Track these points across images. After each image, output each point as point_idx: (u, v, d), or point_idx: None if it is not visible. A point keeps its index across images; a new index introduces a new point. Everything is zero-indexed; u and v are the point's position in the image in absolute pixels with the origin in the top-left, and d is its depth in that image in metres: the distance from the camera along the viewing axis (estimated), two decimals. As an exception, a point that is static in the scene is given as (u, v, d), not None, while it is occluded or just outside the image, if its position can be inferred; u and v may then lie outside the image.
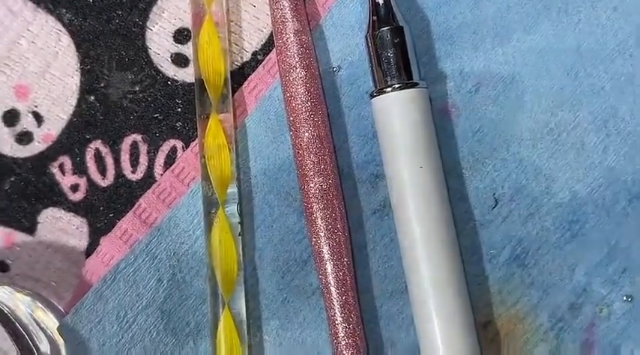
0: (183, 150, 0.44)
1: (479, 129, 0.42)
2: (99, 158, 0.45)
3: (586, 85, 0.42)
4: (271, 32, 0.44)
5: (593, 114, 0.42)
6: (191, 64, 0.45)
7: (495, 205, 0.42)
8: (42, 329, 0.42)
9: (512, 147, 0.42)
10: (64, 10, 0.45)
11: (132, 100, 0.45)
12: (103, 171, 0.45)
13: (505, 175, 0.42)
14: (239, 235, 0.43)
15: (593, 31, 0.42)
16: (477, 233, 0.42)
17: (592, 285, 0.41)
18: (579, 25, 0.42)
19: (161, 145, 0.44)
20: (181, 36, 0.45)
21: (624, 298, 0.41)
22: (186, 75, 0.45)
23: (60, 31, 0.45)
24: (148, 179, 0.44)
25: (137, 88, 0.45)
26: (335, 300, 0.41)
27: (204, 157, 0.43)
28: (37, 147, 0.45)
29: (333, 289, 0.41)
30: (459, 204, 0.42)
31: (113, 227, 0.44)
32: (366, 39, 0.42)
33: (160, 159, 0.44)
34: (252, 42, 0.44)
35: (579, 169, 0.42)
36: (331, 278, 0.41)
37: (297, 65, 0.42)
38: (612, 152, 0.42)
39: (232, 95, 0.44)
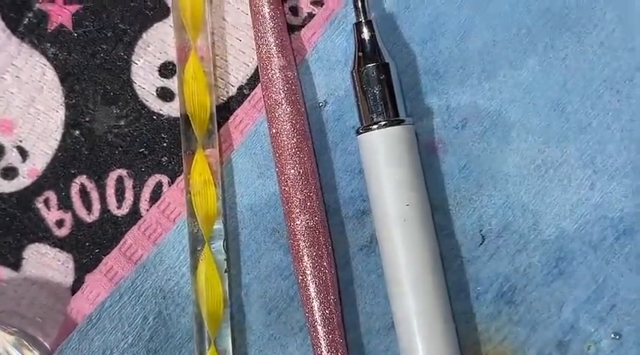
0: (169, 185, 0.44)
1: (465, 166, 0.42)
2: (84, 193, 0.44)
3: (573, 121, 0.42)
4: (257, 66, 0.43)
5: (580, 151, 0.42)
6: (177, 99, 0.44)
7: (482, 242, 0.42)
8: (27, 368, 0.42)
9: (499, 183, 0.42)
10: (49, 45, 0.45)
11: (117, 135, 0.44)
12: (88, 206, 0.44)
13: (492, 212, 0.42)
14: (225, 272, 0.43)
15: (579, 67, 0.42)
16: (464, 270, 0.42)
17: (580, 322, 0.41)
18: (566, 60, 0.42)
19: (147, 180, 0.44)
20: (167, 70, 0.45)
21: (612, 335, 0.41)
22: (172, 109, 0.44)
23: (44, 65, 0.45)
24: (134, 214, 0.44)
25: (122, 123, 0.44)
26: (322, 338, 0.41)
27: (190, 193, 0.43)
28: (22, 182, 0.45)
29: (319, 327, 0.41)
30: (445, 240, 0.42)
31: (99, 263, 0.44)
32: (352, 75, 0.41)
33: (146, 194, 0.44)
34: (237, 76, 0.44)
35: (566, 206, 0.41)
36: (318, 317, 0.41)
37: (283, 101, 0.42)
38: (599, 189, 0.41)
39: (218, 130, 0.44)
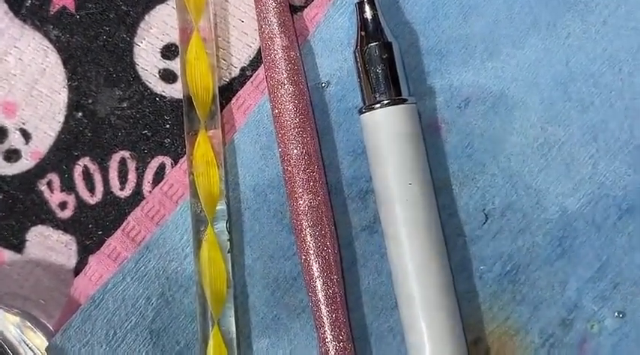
0: (172, 167, 0.44)
1: (468, 145, 0.42)
2: (87, 175, 0.44)
3: (576, 99, 0.42)
4: (260, 47, 0.43)
5: (582, 129, 0.42)
6: (179, 80, 0.44)
7: (485, 221, 0.42)
8: (31, 349, 0.42)
9: (502, 162, 0.42)
10: (51, 27, 0.45)
11: (120, 117, 0.44)
12: (91, 188, 0.44)
13: (495, 191, 0.42)
14: (228, 252, 0.43)
15: (582, 46, 0.42)
16: (468, 249, 0.42)
17: (583, 301, 0.41)
18: (568, 39, 0.42)
19: (149, 162, 0.44)
20: (169, 52, 0.45)
21: (616, 314, 0.41)
22: (175, 91, 0.44)
23: (47, 47, 0.45)
24: (137, 196, 0.44)
25: (125, 105, 0.44)
26: (325, 318, 0.41)
27: (193, 174, 0.43)
28: (25, 164, 0.45)
29: (322, 307, 0.41)
30: (449, 220, 0.42)
31: (102, 245, 0.44)
32: (355, 54, 0.41)
33: (149, 176, 0.44)
34: (240, 57, 0.44)
35: (569, 184, 0.41)
36: (321, 296, 0.41)
37: (286, 81, 0.42)
38: (602, 167, 0.41)
39: (221, 111, 0.44)
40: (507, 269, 0.42)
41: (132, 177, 0.44)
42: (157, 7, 0.44)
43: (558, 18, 0.42)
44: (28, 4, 0.45)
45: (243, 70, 0.44)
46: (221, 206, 0.43)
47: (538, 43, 0.42)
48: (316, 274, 0.41)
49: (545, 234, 0.41)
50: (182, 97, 0.44)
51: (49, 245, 0.44)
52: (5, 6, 0.45)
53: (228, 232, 0.43)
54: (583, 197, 0.41)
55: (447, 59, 0.42)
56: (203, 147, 0.43)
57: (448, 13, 0.42)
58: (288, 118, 0.42)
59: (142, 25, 0.44)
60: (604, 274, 0.41)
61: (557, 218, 0.41)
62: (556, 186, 0.41)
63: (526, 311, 0.41)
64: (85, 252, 0.44)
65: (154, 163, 0.44)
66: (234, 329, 0.42)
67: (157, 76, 0.44)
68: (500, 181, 0.42)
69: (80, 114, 0.45)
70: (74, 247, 0.44)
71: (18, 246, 0.44)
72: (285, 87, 0.42)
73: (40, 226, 0.44)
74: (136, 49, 0.44)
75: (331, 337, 0.41)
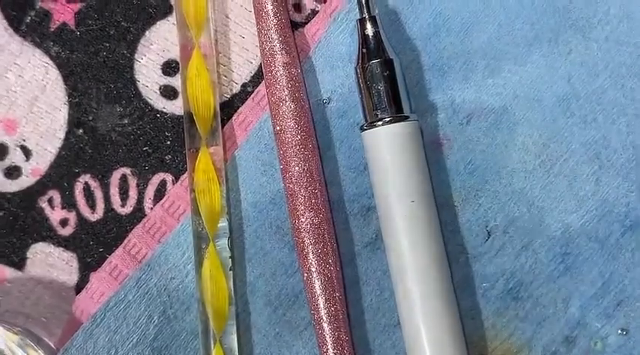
0: (173, 184, 0.44)
1: (471, 161, 0.42)
2: (88, 192, 0.44)
3: (578, 116, 0.42)
4: (261, 63, 0.43)
5: (585, 146, 0.41)
6: (180, 97, 0.44)
7: (488, 238, 0.42)
8: (32, 367, 0.42)
9: (504, 179, 0.42)
10: (51, 43, 0.45)
11: (120, 133, 0.44)
12: (92, 205, 0.44)
13: (497, 207, 0.42)
14: (230, 270, 0.42)
15: (584, 62, 0.42)
16: (470, 266, 0.42)
17: (586, 318, 0.41)
18: (570, 55, 0.42)
19: (150, 179, 0.44)
20: (170, 68, 0.44)
21: (619, 331, 0.41)
22: (175, 107, 0.44)
23: (47, 63, 0.45)
24: (138, 213, 0.44)
25: (126, 121, 0.44)
26: (327, 336, 0.41)
27: (194, 191, 0.43)
28: (25, 181, 0.45)
29: (325, 325, 0.41)
30: (451, 236, 0.42)
31: (103, 262, 0.44)
32: (356, 71, 0.41)
33: (150, 192, 0.44)
34: (241, 74, 0.44)
35: (572, 201, 0.41)
36: (323, 314, 0.41)
37: (287, 98, 0.42)
38: (605, 183, 0.41)
39: (222, 128, 0.43)
40: (510, 286, 0.41)
41: (133, 193, 0.44)
42: (158, 23, 0.44)
43: (560, 34, 0.42)
44: (28, 21, 0.45)
45: (244, 86, 0.44)
46: (222, 223, 0.43)
47: (540, 59, 0.42)
48: (318, 292, 0.41)
49: (547, 251, 0.41)
50: (183, 114, 0.43)
51: (50, 262, 0.44)
52: (5, 22, 0.45)
53: (230, 249, 0.43)
54: (586, 214, 0.41)
55: (449, 75, 0.42)
56: (204, 163, 0.43)
57: (449, 29, 0.42)
58: (289, 135, 0.42)
59: (142, 41, 0.44)
60: (607, 291, 0.41)
61: (559, 235, 0.41)
62: (559, 203, 0.41)
63: (529, 328, 0.41)
64: (86, 269, 0.44)
65: (155, 180, 0.44)
66: (236, 346, 0.42)
67: (158, 92, 0.44)
68: (502, 198, 0.42)
69: (81, 130, 0.44)
70: (75, 264, 0.44)
71: (19, 264, 0.44)
72: (287, 104, 0.42)
73: (41, 243, 0.44)
74: (136, 66, 0.44)
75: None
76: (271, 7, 0.42)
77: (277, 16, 0.42)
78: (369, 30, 0.41)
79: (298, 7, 0.44)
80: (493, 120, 0.42)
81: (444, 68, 0.42)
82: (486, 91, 0.42)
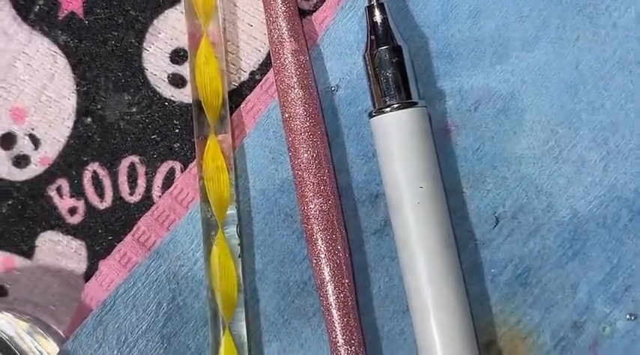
0: (182, 172, 0.44)
1: (479, 148, 0.42)
2: (96, 180, 0.44)
3: (586, 102, 0.42)
4: (269, 51, 0.43)
5: (593, 132, 0.42)
6: (188, 85, 0.44)
7: (496, 224, 0.42)
8: None
9: (512, 165, 0.42)
10: (60, 32, 0.45)
11: (129, 122, 0.44)
12: (100, 193, 0.44)
13: (506, 194, 0.42)
14: (239, 257, 0.43)
15: (592, 48, 0.42)
16: (479, 252, 0.42)
17: (595, 304, 0.41)
18: (578, 41, 0.42)
19: (159, 167, 0.44)
20: (178, 56, 0.44)
21: (627, 316, 0.41)
22: (184, 95, 0.44)
23: (55, 52, 0.45)
24: (147, 201, 0.44)
25: (134, 110, 0.44)
26: (336, 322, 0.41)
27: (203, 179, 0.43)
28: (34, 170, 0.45)
29: (334, 311, 0.41)
30: (459, 223, 0.42)
31: (112, 250, 0.44)
32: (364, 58, 0.41)
33: (158, 180, 0.44)
34: (249, 62, 0.44)
35: (580, 187, 0.41)
36: (332, 300, 0.41)
37: (296, 85, 0.42)
38: (613, 169, 0.41)
39: (230, 115, 0.44)
40: (519, 272, 0.41)
41: (141, 182, 0.44)
42: (166, 11, 0.44)
43: (568, 21, 0.42)
44: (36, 10, 0.45)
45: (252, 74, 0.44)
46: (231, 210, 0.43)
47: (548, 45, 0.42)
48: (327, 278, 0.41)
49: (556, 237, 0.41)
50: (191, 102, 0.44)
51: (58, 250, 0.44)
52: (13, 11, 0.45)
53: (239, 236, 0.43)
54: (594, 199, 0.41)
55: (457, 62, 0.42)
56: (213, 151, 0.43)
57: (457, 16, 0.42)
58: (298, 122, 0.42)
59: (150, 29, 0.44)
60: (615, 276, 0.41)
61: (568, 220, 0.41)
62: (567, 189, 0.41)
63: (538, 314, 0.41)
64: (95, 258, 0.44)
65: (164, 168, 0.44)
66: (245, 333, 0.42)
67: (166, 80, 0.44)
68: (511, 184, 0.42)
69: (89, 119, 0.45)
70: (84, 252, 0.44)
71: (28, 252, 0.44)
72: (295, 91, 0.42)
73: (49, 232, 0.44)
74: (144, 54, 0.44)
75: (342, 341, 0.41)
76: (279, -6, 0.42)
77: (285, 4, 0.42)
78: (377, 17, 0.41)
79: (306, -5, 0.44)
80: (501, 107, 0.42)
81: (452, 55, 0.42)
82: (494, 78, 0.42)
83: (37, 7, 0.45)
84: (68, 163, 0.44)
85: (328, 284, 0.41)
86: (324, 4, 0.43)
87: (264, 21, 0.43)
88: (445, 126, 0.42)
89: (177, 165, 0.44)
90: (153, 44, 0.44)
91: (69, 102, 0.45)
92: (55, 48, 0.45)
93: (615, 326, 0.41)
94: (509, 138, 0.42)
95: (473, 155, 0.42)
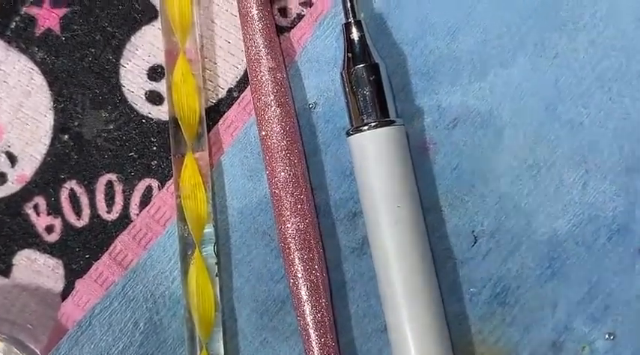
0: (159, 190, 0.44)
1: (457, 166, 0.42)
2: (74, 198, 0.44)
3: (565, 119, 0.41)
4: (246, 68, 0.43)
5: (572, 150, 0.41)
6: (166, 102, 0.44)
7: (475, 242, 0.41)
8: (17, 375, 0.42)
9: (491, 183, 0.41)
10: (36, 49, 0.44)
11: (106, 139, 0.44)
12: (78, 211, 0.44)
13: (484, 212, 0.41)
14: (216, 276, 0.42)
15: (570, 65, 0.41)
16: (457, 271, 0.41)
17: (574, 323, 0.41)
18: (556, 59, 0.42)
19: (136, 185, 0.44)
20: (155, 73, 0.44)
21: (606, 336, 0.41)
22: (161, 113, 0.44)
23: (32, 69, 0.44)
24: (124, 219, 0.44)
25: (111, 127, 0.44)
26: (314, 342, 0.41)
27: (180, 197, 0.42)
28: (11, 187, 0.44)
29: (311, 331, 0.41)
30: (438, 241, 0.41)
31: (89, 268, 0.43)
32: (342, 76, 0.41)
33: (136, 198, 0.44)
34: (227, 79, 0.44)
35: (559, 205, 0.41)
36: (310, 320, 0.41)
37: (273, 103, 0.42)
38: (592, 188, 0.41)
39: (208, 133, 0.43)
40: (497, 291, 0.41)
41: (119, 199, 0.44)
42: (143, 28, 0.44)
43: (546, 38, 0.42)
44: (12, 26, 0.44)
45: (230, 91, 0.44)
46: (208, 229, 0.42)
47: (526, 62, 0.42)
48: (305, 298, 0.41)
49: (534, 256, 0.41)
50: (168, 119, 0.43)
51: (35, 269, 0.44)
52: (-10, 28, 0.44)
53: (216, 255, 0.42)
54: (573, 218, 0.41)
55: (435, 80, 0.42)
56: (190, 169, 0.42)
57: (435, 33, 0.42)
58: (275, 140, 0.42)
59: (127, 46, 0.44)
60: (594, 295, 0.41)
61: (546, 239, 0.41)
62: (545, 207, 0.41)
63: (516, 333, 0.41)
64: (72, 276, 0.44)
65: (141, 186, 0.44)
66: (222, 352, 0.42)
67: (144, 97, 0.44)
68: (489, 202, 0.41)
69: (66, 136, 0.44)
70: (61, 271, 0.44)
71: (5, 271, 0.44)
72: (272, 109, 0.42)
73: (26, 250, 0.44)
74: (122, 71, 0.44)
75: (320, 361, 0.41)
76: (256, 11, 0.42)
77: (262, 21, 0.42)
78: (355, 34, 0.41)
79: (284, 12, 0.43)
80: (479, 125, 0.42)
81: (430, 72, 0.42)
82: (473, 95, 0.42)
83: (14, 23, 0.44)
84: (45, 181, 0.44)
85: (305, 303, 0.41)
86: (302, 20, 0.43)
87: (242, 38, 0.43)
88: (423, 143, 0.42)
89: (155, 183, 0.44)
90: (130, 61, 0.44)
91: (46, 119, 0.44)
92: (32, 65, 0.44)
93: (594, 345, 0.41)
94: (487, 156, 0.42)
95: (451, 173, 0.42)
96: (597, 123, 0.41)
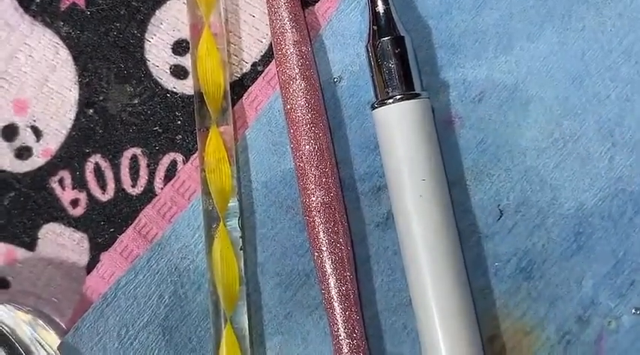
0: (184, 164, 0.44)
1: (482, 140, 0.42)
2: (98, 172, 0.44)
3: (591, 93, 0.41)
4: (271, 43, 0.43)
5: (598, 123, 0.41)
6: (190, 76, 0.44)
7: (500, 217, 0.41)
8: (44, 347, 0.42)
9: (516, 157, 0.41)
10: (62, 23, 0.44)
11: (131, 113, 0.44)
12: (102, 185, 0.44)
13: (510, 186, 0.41)
14: (240, 249, 0.42)
15: (597, 38, 0.41)
16: (482, 245, 0.41)
17: (600, 298, 0.41)
18: (584, 32, 0.41)
19: (161, 159, 0.44)
20: (180, 47, 0.44)
21: (633, 311, 0.40)
22: (186, 87, 0.44)
23: (57, 44, 0.44)
24: (149, 193, 0.44)
25: (136, 101, 0.44)
26: (338, 315, 0.41)
27: (205, 171, 0.42)
28: (36, 161, 0.44)
29: (336, 304, 0.41)
30: (463, 216, 0.41)
31: (114, 242, 0.44)
32: (367, 49, 0.41)
33: (160, 172, 0.44)
34: (251, 53, 0.44)
35: (585, 179, 0.41)
36: (334, 293, 0.41)
37: (297, 77, 0.42)
38: (618, 162, 0.41)
39: (232, 107, 0.43)
40: (523, 265, 0.41)
41: (143, 173, 0.44)
42: (168, 2, 0.44)
43: (573, 10, 0.41)
44: (38, 1, 0.44)
45: (254, 65, 0.44)
46: (233, 202, 0.42)
47: (552, 36, 0.41)
48: (329, 271, 0.41)
49: (560, 230, 0.41)
50: (193, 93, 0.43)
51: (61, 242, 0.44)
52: (15, 2, 0.45)
53: (241, 229, 0.42)
54: (599, 192, 0.41)
55: (461, 53, 0.42)
56: (214, 143, 0.42)
57: (461, 6, 0.42)
58: (300, 114, 0.42)
59: (152, 20, 0.44)
60: (621, 270, 0.40)
61: (572, 213, 0.41)
62: (572, 182, 0.41)
63: (542, 307, 0.41)
64: (97, 250, 0.44)
65: (166, 160, 0.44)
66: (246, 326, 0.42)
67: (168, 72, 0.44)
68: (515, 176, 0.41)
69: (91, 111, 0.44)
70: (86, 245, 0.44)
71: (30, 244, 0.44)
72: (297, 82, 0.42)
73: (51, 224, 0.44)
74: (146, 45, 0.44)
75: (345, 334, 0.41)
76: (281, -16, 0.42)
77: (287, -6, 0.42)
78: (380, 7, 0.41)
79: (309, -14, 0.43)
80: (505, 98, 0.41)
81: (456, 46, 0.42)
82: (498, 69, 0.42)
83: (39, -2, 0.44)
84: (70, 155, 0.44)
85: (330, 277, 0.41)
86: (327, -6, 0.43)
87: (267, 11, 0.43)
88: (448, 117, 0.42)
89: (180, 157, 0.44)
90: (155, 35, 0.44)
91: (71, 93, 0.44)
92: (57, 39, 0.44)
93: (620, 320, 0.40)
94: (513, 130, 0.41)
95: (476, 147, 0.42)
96: (624, 97, 0.41)
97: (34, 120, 0.45)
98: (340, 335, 0.41)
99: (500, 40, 0.42)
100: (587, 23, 0.41)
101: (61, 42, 0.44)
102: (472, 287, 0.40)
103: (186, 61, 0.44)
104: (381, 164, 0.41)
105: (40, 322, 0.42)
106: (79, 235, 0.44)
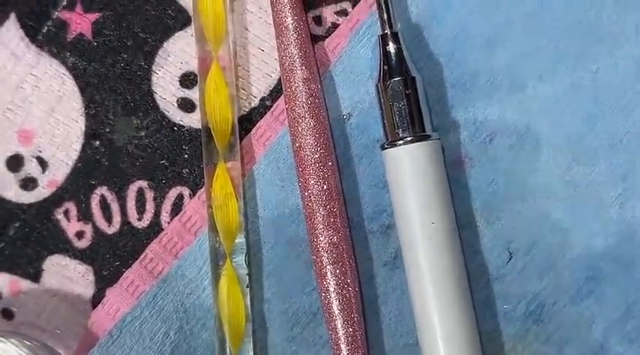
0: (190, 198, 0.43)
1: (493, 181, 0.41)
2: (104, 204, 0.44)
3: (604, 136, 0.41)
4: (280, 77, 0.42)
5: (610, 168, 0.41)
6: (198, 110, 0.43)
7: (510, 259, 0.41)
8: (47, 383, 0.42)
9: (527, 199, 0.41)
10: (68, 54, 0.44)
11: (137, 146, 0.44)
12: (108, 218, 0.44)
13: (520, 228, 0.41)
14: (247, 286, 0.42)
15: (611, 81, 0.41)
16: (491, 287, 0.41)
17: (609, 343, 0.40)
18: (597, 73, 0.41)
19: (167, 192, 0.43)
20: (188, 80, 0.44)
21: (642, 357, 0.40)
22: (193, 120, 0.44)
23: (64, 74, 0.44)
24: (155, 227, 0.43)
25: (143, 134, 0.44)
26: (345, 357, 0.40)
27: (212, 207, 0.42)
28: (41, 192, 0.44)
29: (342, 346, 0.40)
30: (472, 257, 0.41)
31: (119, 275, 0.43)
32: (377, 88, 0.40)
33: (167, 206, 0.43)
34: (260, 87, 0.43)
35: (596, 224, 0.40)
36: (341, 334, 0.40)
37: (306, 115, 0.41)
38: (630, 207, 0.40)
39: (240, 142, 0.43)
40: (532, 308, 0.41)
41: (150, 207, 0.44)
42: (176, 34, 0.44)
43: (586, 52, 0.41)
44: (44, 31, 0.44)
45: (262, 100, 0.43)
46: (240, 239, 0.42)
47: (565, 76, 0.41)
48: (336, 312, 0.41)
49: (571, 274, 0.40)
50: (201, 127, 0.43)
51: (66, 275, 0.44)
52: (22, 32, 0.44)
53: (247, 266, 0.42)
54: (610, 237, 0.40)
55: (472, 93, 0.41)
56: (222, 179, 0.42)
57: (473, 45, 0.41)
58: (308, 152, 0.41)
59: (160, 52, 0.44)
60: (631, 315, 0.40)
61: (583, 257, 0.40)
62: (582, 225, 0.41)
63: (551, 351, 0.40)
64: (102, 283, 0.43)
65: (172, 194, 0.43)
66: (252, 364, 0.42)
67: (176, 105, 0.44)
68: (525, 219, 0.41)
69: (97, 142, 0.44)
70: (91, 277, 0.44)
71: (35, 276, 0.44)
72: (306, 120, 0.41)
73: (56, 255, 0.44)
74: (154, 78, 0.44)
75: (351, 375, 0.40)
76: (291, 21, 0.41)
77: (297, 31, 0.41)
78: (391, 47, 0.40)
79: (319, 20, 0.43)
80: (516, 139, 0.41)
81: (467, 85, 0.41)
82: (510, 109, 0.41)
83: (46, 28, 0.44)
84: (76, 186, 0.44)
85: (337, 318, 0.41)
86: (337, 30, 0.42)
87: (276, 47, 0.42)
88: (459, 157, 0.41)
89: (186, 191, 0.43)
90: (162, 67, 0.44)
91: (77, 124, 0.44)
92: (64, 70, 0.44)
93: (630, 365, 0.40)
94: (524, 172, 0.41)
95: (487, 188, 0.41)
96: (637, 141, 0.40)
97: (40, 151, 0.44)
98: (347, 376, 0.40)
99: (512, 80, 0.41)
100: (600, 65, 0.41)
101: (67, 73, 0.44)
102: (481, 330, 0.40)
103: (193, 94, 0.44)
104: (390, 202, 0.41)
105: (44, 356, 0.42)
106: (84, 267, 0.44)
